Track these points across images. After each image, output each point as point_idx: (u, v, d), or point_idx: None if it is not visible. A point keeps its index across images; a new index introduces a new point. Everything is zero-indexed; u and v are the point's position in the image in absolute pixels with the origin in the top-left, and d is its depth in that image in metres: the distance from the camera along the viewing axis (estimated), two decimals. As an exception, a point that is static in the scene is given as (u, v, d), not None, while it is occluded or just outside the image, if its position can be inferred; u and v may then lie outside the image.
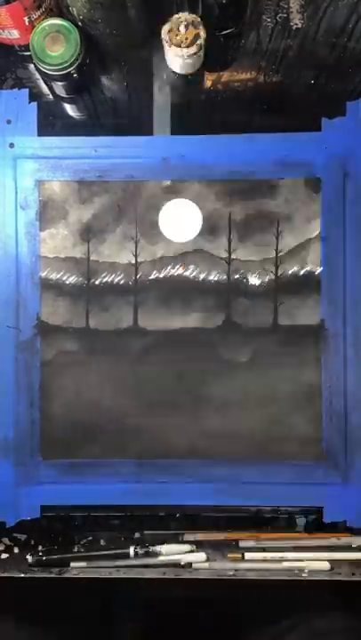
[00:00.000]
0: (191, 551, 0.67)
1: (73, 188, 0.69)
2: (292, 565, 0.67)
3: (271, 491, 0.68)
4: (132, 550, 0.67)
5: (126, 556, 0.67)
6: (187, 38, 0.63)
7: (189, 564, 0.67)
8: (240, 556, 0.67)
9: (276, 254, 0.68)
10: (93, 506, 0.69)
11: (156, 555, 0.67)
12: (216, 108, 0.71)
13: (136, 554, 0.67)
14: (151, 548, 0.67)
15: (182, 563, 0.67)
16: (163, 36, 0.63)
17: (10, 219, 0.69)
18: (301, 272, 0.68)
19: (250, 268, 0.68)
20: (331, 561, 0.66)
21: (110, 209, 0.69)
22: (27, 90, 0.69)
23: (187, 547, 0.67)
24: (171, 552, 0.67)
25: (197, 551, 0.67)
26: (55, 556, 0.68)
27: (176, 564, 0.67)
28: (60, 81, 0.67)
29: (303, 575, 0.66)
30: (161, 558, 0.67)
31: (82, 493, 0.68)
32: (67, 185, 0.69)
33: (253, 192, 0.68)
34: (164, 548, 0.67)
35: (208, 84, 0.71)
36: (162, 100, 0.70)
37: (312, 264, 0.68)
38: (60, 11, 0.67)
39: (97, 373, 0.69)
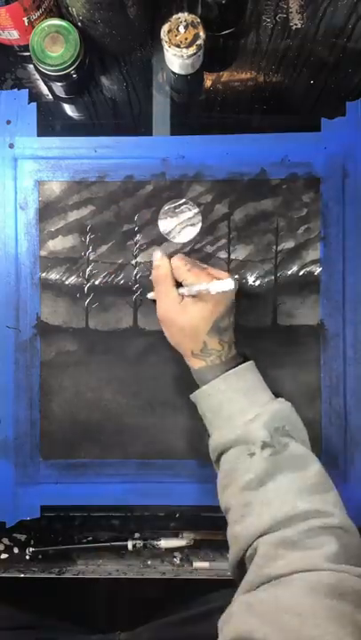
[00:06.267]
0: (188, 546, 0.67)
1: (73, 188, 0.69)
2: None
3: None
4: (130, 544, 0.67)
5: (125, 548, 0.68)
6: (186, 38, 0.63)
7: (190, 563, 0.67)
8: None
9: (276, 254, 0.68)
10: (93, 506, 0.69)
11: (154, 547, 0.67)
12: (216, 108, 0.71)
13: (134, 547, 0.67)
14: (149, 543, 0.67)
15: (177, 560, 0.68)
16: (162, 37, 0.63)
17: (10, 219, 0.69)
18: (301, 272, 0.68)
19: (249, 268, 0.68)
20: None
21: (110, 209, 0.69)
22: (26, 90, 0.69)
23: (184, 541, 0.67)
24: (169, 546, 0.67)
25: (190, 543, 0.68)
26: (55, 556, 0.68)
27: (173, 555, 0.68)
28: (60, 81, 0.67)
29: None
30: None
31: (82, 493, 0.68)
32: (66, 185, 0.69)
33: (253, 192, 0.68)
34: (162, 543, 0.67)
35: (208, 83, 0.71)
36: (162, 100, 0.70)
37: (312, 264, 0.68)
38: (60, 11, 0.67)
39: (97, 373, 0.69)
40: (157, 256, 0.63)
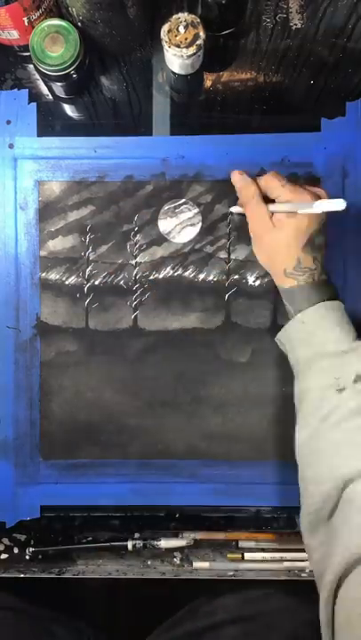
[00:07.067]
0: (188, 546, 0.67)
1: (73, 188, 0.69)
2: (292, 565, 0.67)
3: (271, 491, 0.68)
4: (130, 544, 0.67)
5: (125, 548, 0.67)
6: (186, 38, 0.63)
7: (190, 563, 0.67)
8: (240, 556, 0.67)
9: (276, 254, 0.68)
10: (93, 506, 0.69)
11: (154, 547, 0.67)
12: (216, 108, 0.71)
13: (134, 547, 0.67)
14: (149, 543, 0.67)
15: (177, 560, 0.68)
16: (162, 37, 0.63)
17: (10, 219, 0.69)
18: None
19: (249, 268, 0.68)
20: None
21: (110, 209, 0.69)
22: (26, 90, 0.69)
23: (184, 541, 0.67)
24: (169, 546, 0.67)
25: (190, 543, 0.67)
26: (55, 556, 0.68)
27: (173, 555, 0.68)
28: (60, 81, 0.67)
29: (303, 575, 0.66)
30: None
31: (82, 493, 0.68)
32: (66, 185, 0.69)
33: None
34: (162, 543, 0.67)
35: (208, 83, 0.71)
36: (161, 100, 0.70)
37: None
38: (60, 11, 0.67)
39: (97, 373, 0.69)
40: (236, 177, 0.62)
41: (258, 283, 0.68)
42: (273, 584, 0.66)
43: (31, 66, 0.69)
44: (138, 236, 0.69)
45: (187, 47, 0.63)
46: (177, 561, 0.68)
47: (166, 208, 0.69)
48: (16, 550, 0.69)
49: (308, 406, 0.55)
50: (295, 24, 0.70)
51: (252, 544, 0.68)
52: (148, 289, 0.68)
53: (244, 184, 0.61)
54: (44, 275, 0.69)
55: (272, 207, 0.59)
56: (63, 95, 0.70)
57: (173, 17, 0.63)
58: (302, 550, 0.66)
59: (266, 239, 0.59)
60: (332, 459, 0.51)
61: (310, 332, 0.57)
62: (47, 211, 0.69)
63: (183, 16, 0.63)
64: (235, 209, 0.67)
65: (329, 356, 0.55)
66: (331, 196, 0.58)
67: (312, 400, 0.55)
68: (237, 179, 0.62)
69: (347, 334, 0.56)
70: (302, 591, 0.54)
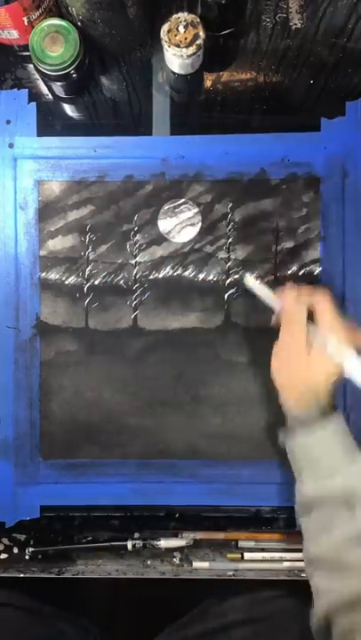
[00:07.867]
0: (188, 546, 0.67)
1: (72, 188, 0.69)
2: (292, 565, 0.67)
3: (271, 491, 0.68)
4: (130, 544, 0.67)
5: (124, 548, 0.67)
6: (186, 38, 0.63)
7: (189, 563, 0.67)
8: (239, 556, 0.67)
9: (276, 254, 0.68)
10: (93, 506, 0.69)
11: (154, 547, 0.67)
12: (216, 107, 0.71)
13: (134, 547, 0.67)
14: (149, 542, 0.67)
15: (177, 560, 0.68)
16: (162, 37, 0.63)
17: (9, 219, 0.69)
18: (301, 272, 0.68)
19: (249, 268, 0.68)
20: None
21: (110, 209, 0.69)
22: (26, 90, 0.69)
23: (184, 541, 0.67)
24: (169, 546, 0.67)
25: (190, 543, 0.67)
26: (55, 556, 0.68)
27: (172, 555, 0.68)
28: (60, 81, 0.67)
29: (303, 575, 0.66)
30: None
31: (82, 493, 0.68)
32: (66, 185, 0.69)
33: (253, 192, 0.68)
34: (162, 543, 0.67)
35: (208, 84, 0.71)
36: (161, 100, 0.70)
37: (311, 264, 0.68)
38: (60, 11, 0.67)
39: (96, 373, 0.69)
40: (289, 298, 0.56)
41: (258, 282, 0.68)
42: (283, 586, 0.66)
43: (31, 66, 0.69)
44: (138, 236, 0.69)
45: (186, 47, 0.63)
46: (177, 561, 0.68)
47: (166, 208, 0.69)
48: (16, 550, 0.69)
49: (319, 519, 0.55)
50: (295, 24, 0.70)
51: (251, 544, 0.68)
52: (148, 289, 0.68)
53: (296, 306, 0.55)
54: (43, 274, 0.69)
55: (314, 338, 0.55)
56: (63, 95, 0.70)
57: (173, 17, 0.63)
58: (302, 550, 0.67)
59: (292, 372, 0.56)
60: (344, 576, 0.52)
61: (316, 455, 0.56)
62: (47, 210, 0.69)
63: (183, 16, 0.63)
64: (250, 282, 0.60)
65: (337, 483, 0.54)
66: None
67: (322, 513, 0.54)
68: (290, 300, 0.56)
69: (353, 454, 0.55)
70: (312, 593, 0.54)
